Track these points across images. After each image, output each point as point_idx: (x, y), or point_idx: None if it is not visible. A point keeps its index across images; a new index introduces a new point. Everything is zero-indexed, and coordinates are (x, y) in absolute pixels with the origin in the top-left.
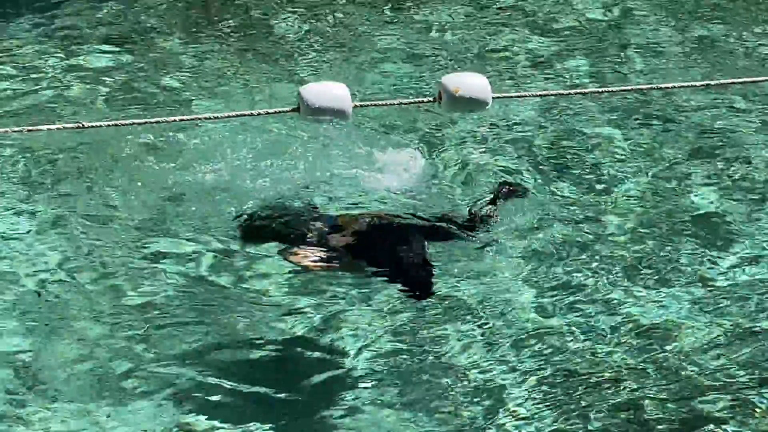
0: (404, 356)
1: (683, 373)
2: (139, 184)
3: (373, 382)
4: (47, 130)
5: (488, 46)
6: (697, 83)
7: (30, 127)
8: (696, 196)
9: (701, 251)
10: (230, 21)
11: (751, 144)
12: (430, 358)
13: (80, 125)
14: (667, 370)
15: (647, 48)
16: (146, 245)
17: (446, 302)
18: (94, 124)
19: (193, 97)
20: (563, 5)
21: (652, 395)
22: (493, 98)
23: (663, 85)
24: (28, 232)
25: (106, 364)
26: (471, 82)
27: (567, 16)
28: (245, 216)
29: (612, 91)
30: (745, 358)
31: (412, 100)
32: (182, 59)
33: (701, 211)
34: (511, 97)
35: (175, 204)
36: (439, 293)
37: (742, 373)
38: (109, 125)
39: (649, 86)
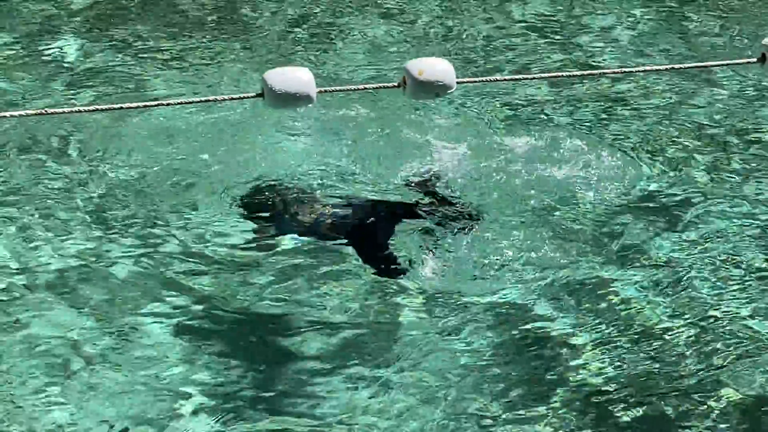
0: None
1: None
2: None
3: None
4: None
5: (455, 33)
6: (662, 67)
7: (17, 112)
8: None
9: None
10: (204, 9)
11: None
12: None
13: (43, 111)
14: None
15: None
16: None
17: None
18: (57, 110)
19: (157, 82)
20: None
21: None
22: (457, 83)
23: (629, 69)
24: None
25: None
26: (434, 66)
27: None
28: (249, 191)
29: (579, 75)
30: None
31: (376, 85)
32: (149, 45)
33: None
34: (475, 81)
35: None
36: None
37: None
38: (72, 111)
39: (617, 71)
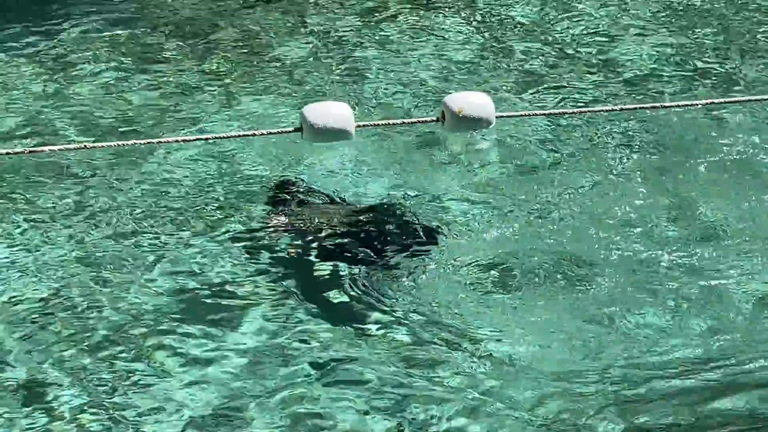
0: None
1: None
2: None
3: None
4: (49, 152)
5: (493, 65)
6: (700, 102)
7: (32, 149)
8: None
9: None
10: (235, 42)
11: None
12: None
13: (84, 145)
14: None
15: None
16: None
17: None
18: (98, 144)
19: (198, 116)
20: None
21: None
22: (496, 117)
23: (669, 104)
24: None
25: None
26: (474, 102)
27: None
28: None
29: (623, 109)
30: None
31: (414, 120)
32: (186, 79)
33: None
34: (515, 116)
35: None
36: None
37: None
38: (111, 145)
39: (661, 105)
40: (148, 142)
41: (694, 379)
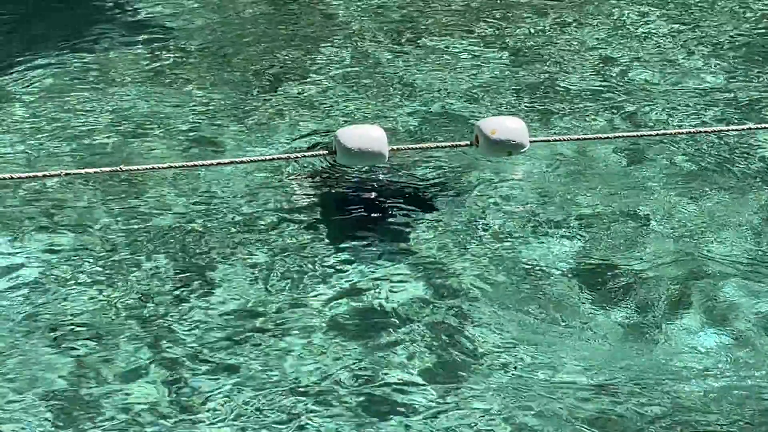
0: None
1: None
2: None
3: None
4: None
5: (525, 88)
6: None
7: (67, 171)
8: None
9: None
10: (262, 65)
11: None
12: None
13: (119, 169)
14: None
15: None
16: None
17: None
18: (132, 167)
19: (227, 139)
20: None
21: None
22: (530, 141)
23: (708, 129)
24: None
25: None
26: (507, 125)
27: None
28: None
29: (660, 134)
30: None
31: (449, 143)
32: (213, 98)
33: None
34: (549, 141)
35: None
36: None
37: None
38: (146, 169)
39: (701, 130)
40: (182, 166)
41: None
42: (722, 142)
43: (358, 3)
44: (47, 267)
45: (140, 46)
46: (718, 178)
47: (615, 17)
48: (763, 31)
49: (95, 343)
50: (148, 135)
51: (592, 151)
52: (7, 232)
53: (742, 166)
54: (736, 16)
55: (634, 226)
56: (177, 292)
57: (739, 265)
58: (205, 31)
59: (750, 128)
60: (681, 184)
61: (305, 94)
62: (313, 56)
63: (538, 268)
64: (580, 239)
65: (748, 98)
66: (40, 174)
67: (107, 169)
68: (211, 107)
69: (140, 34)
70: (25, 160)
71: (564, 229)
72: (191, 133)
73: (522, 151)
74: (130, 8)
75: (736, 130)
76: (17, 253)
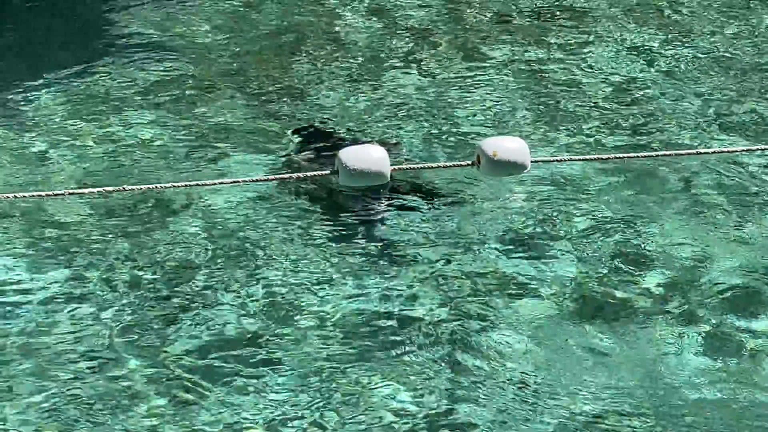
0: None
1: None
2: None
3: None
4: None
5: (528, 110)
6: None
7: (72, 191)
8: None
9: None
10: (272, 86)
11: None
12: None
13: (123, 188)
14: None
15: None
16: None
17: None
18: (135, 186)
19: (230, 152)
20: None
21: None
22: (531, 162)
23: (709, 150)
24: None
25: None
26: (509, 147)
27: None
28: None
29: (658, 155)
30: None
31: (450, 164)
32: (224, 120)
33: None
34: (550, 161)
35: None
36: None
37: None
38: (149, 188)
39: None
40: (186, 185)
41: None
42: (728, 164)
43: (364, 20)
44: (42, 288)
45: (148, 68)
46: (722, 199)
47: (617, 38)
48: None
49: (91, 364)
50: (154, 155)
51: (593, 171)
52: (4, 252)
53: (753, 188)
54: (742, 37)
55: (637, 245)
56: (173, 313)
57: (739, 288)
58: (213, 53)
59: (754, 150)
60: (685, 204)
61: (309, 112)
62: (320, 75)
63: (535, 285)
64: (580, 259)
65: (755, 119)
66: (43, 193)
67: (110, 188)
68: (217, 127)
69: (147, 55)
70: (31, 180)
71: (562, 249)
72: (195, 154)
73: (524, 171)
74: (137, 31)
75: (741, 151)
76: (12, 275)
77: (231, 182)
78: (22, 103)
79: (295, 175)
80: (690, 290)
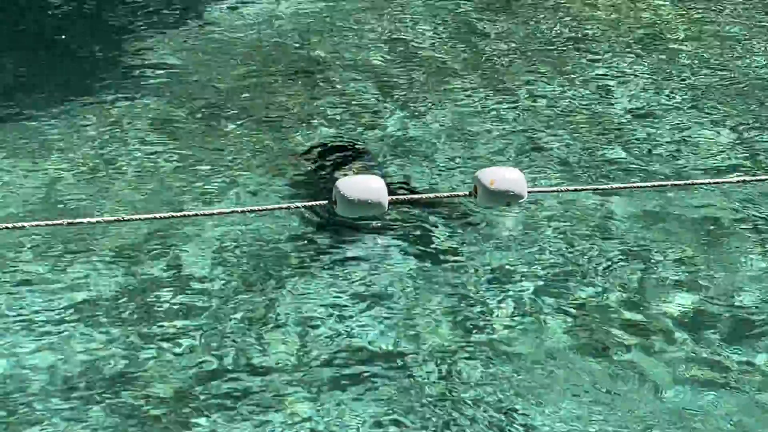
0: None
1: None
2: None
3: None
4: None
5: (525, 140)
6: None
7: (70, 220)
8: None
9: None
10: (272, 115)
11: None
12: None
13: (121, 218)
14: None
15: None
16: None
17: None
18: (134, 216)
19: (240, 186)
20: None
21: None
22: (528, 192)
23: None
24: None
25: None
26: (506, 176)
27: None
28: None
29: (654, 187)
30: None
31: (448, 194)
32: (225, 149)
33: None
34: (547, 191)
35: None
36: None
37: None
38: (146, 218)
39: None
40: (184, 215)
41: None
42: (735, 191)
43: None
44: (31, 315)
45: (153, 97)
46: (725, 231)
47: (614, 67)
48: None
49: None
50: (156, 184)
51: (594, 202)
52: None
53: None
54: (742, 67)
55: (639, 278)
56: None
57: (751, 318)
58: (221, 82)
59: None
60: (687, 234)
61: (309, 140)
62: (318, 104)
63: (537, 314)
64: (582, 290)
65: (755, 149)
66: (42, 223)
67: (110, 218)
68: (222, 157)
69: (154, 85)
70: (41, 207)
71: (564, 279)
72: (196, 184)
73: (520, 201)
74: (146, 60)
75: (750, 181)
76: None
77: (230, 211)
78: (29, 131)
79: (292, 204)
80: (716, 322)
